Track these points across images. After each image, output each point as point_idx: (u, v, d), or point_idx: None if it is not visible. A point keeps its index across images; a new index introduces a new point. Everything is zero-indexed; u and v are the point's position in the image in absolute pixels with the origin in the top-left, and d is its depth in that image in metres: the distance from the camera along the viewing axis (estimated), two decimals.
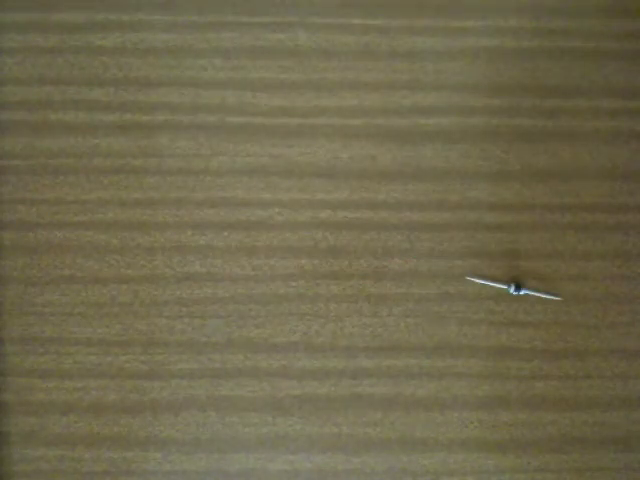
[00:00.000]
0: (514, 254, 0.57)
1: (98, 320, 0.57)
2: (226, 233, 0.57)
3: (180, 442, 0.56)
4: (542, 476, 0.56)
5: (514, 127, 0.57)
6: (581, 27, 0.59)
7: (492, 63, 0.57)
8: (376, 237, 0.57)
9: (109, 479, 0.56)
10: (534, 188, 0.57)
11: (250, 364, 0.57)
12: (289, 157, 0.56)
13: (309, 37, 0.58)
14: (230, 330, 0.57)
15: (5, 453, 0.56)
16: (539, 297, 0.57)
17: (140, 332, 0.57)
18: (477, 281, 0.57)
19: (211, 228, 0.57)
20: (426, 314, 0.57)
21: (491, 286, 0.57)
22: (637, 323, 0.57)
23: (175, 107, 0.57)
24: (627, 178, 0.58)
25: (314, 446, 0.56)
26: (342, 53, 0.55)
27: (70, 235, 0.57)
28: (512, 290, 0.56)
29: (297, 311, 0.57)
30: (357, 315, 0.57)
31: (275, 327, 0.57)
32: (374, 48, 0.56)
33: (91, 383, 0.56)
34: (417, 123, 0.57)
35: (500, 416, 0.56)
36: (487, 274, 0.57)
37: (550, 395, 0.57)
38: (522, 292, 0.56)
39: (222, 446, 0.56)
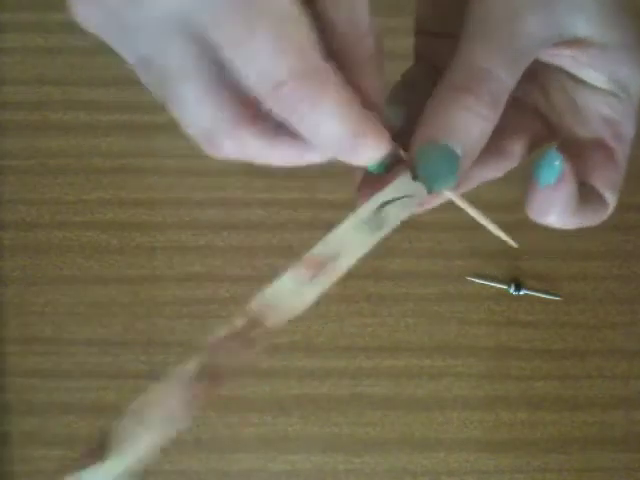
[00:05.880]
0: (514, 254, 0.57)
1: (98, 320, 0.57)
2: (226, 233, 0.57)
3: (180, 442, 0.56)
4: (542, 476, 0.56)
5: None
6: None
7: None
8: None
9: None
10: None
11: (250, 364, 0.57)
12: None
13: None
14: None
15: (5, 453, 0.56)
16: (539, 297, 0.57)
17: (140, 332, 0.57)
18: (477, 281, 0.57)
19: (211, 228, 0.57)
20: (426, 314, 0.57)
21: (491, 286, 0.57)
22: (637, 323, 0.57)
23: None
24: (627, 178, 0.58)
25: (314, 446, 0.56)
26: None
27: (70, 235, 0.57)
28: (512, 290, 0.56)
29: None
30: (357, 315, 0.57)
31: None
32: None
33: (91, 383, 0.56)
34: None
35: (500, 416, 0.56)
36: (487, 274, 0.57)
37: (550, 395, 0.56)
38: (522, 292, 0.56)
39: (222, 446, 0.56)
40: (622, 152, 0.26)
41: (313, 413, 0.56)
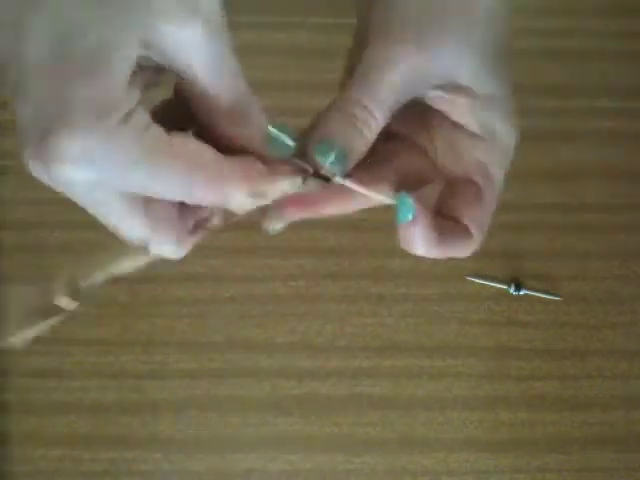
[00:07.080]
0: (514, 254, 0.57)
1: (98, 320, 0.57)
2: (226, 233, 0.57)
3: (180, 442, 0.56)
4: (542, 476, 0.56)
5: None
6: (581, 27, 0.59)
7: None
8: (376, 237, 0.57)
9: (109, 479, 0.56)
10: (534, 188, 0.57)
11: (250, 364, 0.57)
12: None
13: (309, 37, 0.58)
14: (230, 330, 0.57)
15: (5, 453, 0.56)
16: (539, 297, 0.57)
17: (140, 332, 0.57)
18: (477, 281, 0.57)
19: None
20: (426, 314, 0.57)
21: (491, 286, 0.57)
22: (637, 323, 0.57)
23: None
24: (627, 178, 0.58)
25: (314, 446, 0.56)
26: (342, 53, 0.55)
27: (70, 235, 0.57)
28: (512, 290, 0.56)
29: (297, 311, 0.57)
30: (357, 315, 0.57)
31: (275, 327, 0.57)
32: None
33: (91, 383, 0.56)
34: None
35: (500, 416, 0.56)
36: (487, 274, 0.57)
37: (550, 395, 0.56)
38: (522, 292, 0.56)
39: (222, 446, 0.56)
40: (490, 192, 0.29)
41: (313, 413, 0.56)
